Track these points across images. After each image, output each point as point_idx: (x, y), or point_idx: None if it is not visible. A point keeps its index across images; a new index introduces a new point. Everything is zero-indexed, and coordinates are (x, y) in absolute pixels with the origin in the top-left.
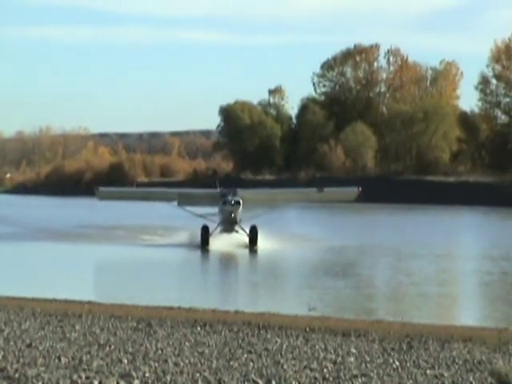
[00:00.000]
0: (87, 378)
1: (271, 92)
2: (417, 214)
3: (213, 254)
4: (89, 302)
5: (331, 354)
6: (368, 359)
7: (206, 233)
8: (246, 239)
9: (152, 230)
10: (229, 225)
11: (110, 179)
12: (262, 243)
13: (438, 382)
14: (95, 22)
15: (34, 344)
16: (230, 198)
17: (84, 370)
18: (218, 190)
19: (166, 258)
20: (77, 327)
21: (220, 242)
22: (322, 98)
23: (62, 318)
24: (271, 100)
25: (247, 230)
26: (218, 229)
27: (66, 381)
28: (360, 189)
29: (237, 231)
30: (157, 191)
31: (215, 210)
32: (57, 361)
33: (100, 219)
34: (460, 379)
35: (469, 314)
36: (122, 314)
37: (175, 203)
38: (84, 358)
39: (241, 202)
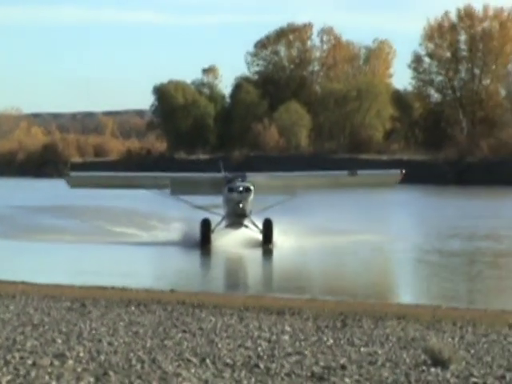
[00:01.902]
0: (21, 358)
1: (205, 71)
2: (349, 192)
3: (215, 255)
4: (22, 283)
5: (265, 332)
6: (302, 337)
7: (206, 228)
8: (259, 236)
9: (116, 215)
10: (236, 218)
11: (44, 159)
12: (279, 240)
13: (372, 359)
14: (28, 2)
15: None
16: (237, 184)
17: (18, 350)
18: (223, 174)
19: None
20: (10, 307)
21: (225, 240)
22: (256, 77)
23: None
24: (205, 79)
25: (259, 225)
26: (223, 223)
27: (0, 361)
28: (403, 171)
29: (246, 226)
30: (144, 176)
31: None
32: None
33: (40, 199)
34: (394, 356)
35: (403, 292)
36: (56, 294)
37: (167, 191)
38: (18, 339)
39: (252, 188)
